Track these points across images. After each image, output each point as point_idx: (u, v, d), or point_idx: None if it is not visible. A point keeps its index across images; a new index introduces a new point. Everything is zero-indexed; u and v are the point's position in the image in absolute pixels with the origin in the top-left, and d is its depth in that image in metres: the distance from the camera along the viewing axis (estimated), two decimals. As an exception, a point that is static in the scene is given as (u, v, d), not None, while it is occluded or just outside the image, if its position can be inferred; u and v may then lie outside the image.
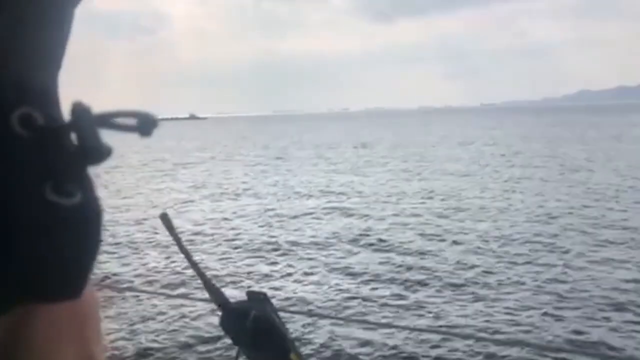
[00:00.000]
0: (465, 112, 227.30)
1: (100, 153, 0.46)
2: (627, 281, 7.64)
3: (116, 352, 5.73)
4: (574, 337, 5.96)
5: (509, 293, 7.31)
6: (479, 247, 9.64)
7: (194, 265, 1.20)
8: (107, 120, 0.47)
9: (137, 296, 7.26)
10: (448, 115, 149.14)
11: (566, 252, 9.18)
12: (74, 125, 0.46)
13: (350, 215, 12.98)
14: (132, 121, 0.47)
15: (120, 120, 0.47)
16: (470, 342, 5.67)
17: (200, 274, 1.19)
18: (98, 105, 0.48)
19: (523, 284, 7.66)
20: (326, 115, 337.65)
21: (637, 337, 5.95)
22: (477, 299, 7.15)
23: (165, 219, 1.15)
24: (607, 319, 6.41)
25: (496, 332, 6.12)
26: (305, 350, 5.59)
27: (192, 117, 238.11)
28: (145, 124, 0.47)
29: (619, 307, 6.72)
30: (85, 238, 0.49)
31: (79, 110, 0.46)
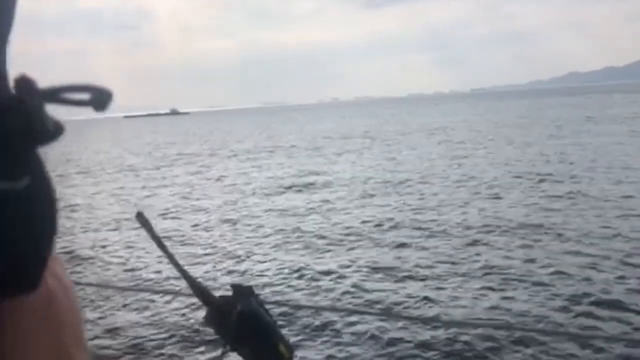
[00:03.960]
0: (454, 98, 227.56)
1: (49, 131, 0.41)
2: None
3: (102, 351, 5.71)
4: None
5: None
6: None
7: (174, 262, 1.18)
8: (57, 95, 0.42)
9: (121, 294, 7.21)
10: (432, 102, 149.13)
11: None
12: (18, 100, 0.40)
13: (333, 204, 13.00)
14: (84, 96, 0.43)
15: (73, 95, 0.43)
16: (456, 329, 5.70)
17: (182, 270, 1.18)
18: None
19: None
20: (316, 105, 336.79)
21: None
22: (467, 288, 7.19)
23: (141, 218, 1.13)
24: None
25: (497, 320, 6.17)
26: (295, 341, 5.58)
27: (173, 113, 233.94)
28: (99, 99, 0.43)
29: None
30: (35, 226, 0.44)
31: (24, 84, 0.41)
